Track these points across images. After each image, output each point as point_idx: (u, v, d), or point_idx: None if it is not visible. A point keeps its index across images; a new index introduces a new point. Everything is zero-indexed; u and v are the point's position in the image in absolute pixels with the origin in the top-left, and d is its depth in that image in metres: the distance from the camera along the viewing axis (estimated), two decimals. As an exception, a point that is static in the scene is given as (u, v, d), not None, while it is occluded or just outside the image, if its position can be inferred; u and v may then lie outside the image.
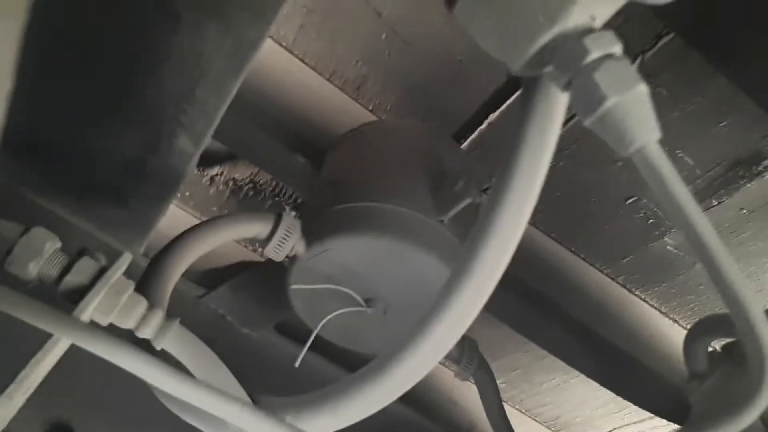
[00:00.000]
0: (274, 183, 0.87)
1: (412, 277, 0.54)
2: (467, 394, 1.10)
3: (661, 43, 0.66)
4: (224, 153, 0.86)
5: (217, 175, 0.88)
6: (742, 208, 0.79)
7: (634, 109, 0.22)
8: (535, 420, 1.19)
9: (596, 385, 1.00)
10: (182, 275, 0.46)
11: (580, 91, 0.22)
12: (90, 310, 0.29)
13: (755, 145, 0.73)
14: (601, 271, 0.90)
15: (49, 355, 0.29)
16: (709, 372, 0.43)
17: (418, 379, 0.31)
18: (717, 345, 0.56)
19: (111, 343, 0.26)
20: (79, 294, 0.31)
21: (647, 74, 0.69)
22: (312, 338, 0.55)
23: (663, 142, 0.76)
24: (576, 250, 0.89)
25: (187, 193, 0.91)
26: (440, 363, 1.05)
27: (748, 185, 0.76)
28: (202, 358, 0.32)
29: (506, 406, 1.17)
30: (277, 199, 0.87)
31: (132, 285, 0.32)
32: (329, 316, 0.54)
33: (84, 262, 0.31)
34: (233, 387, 0.32)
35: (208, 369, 0.32)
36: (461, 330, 0.31)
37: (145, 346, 0.31)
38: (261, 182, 0.87)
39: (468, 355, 0.65)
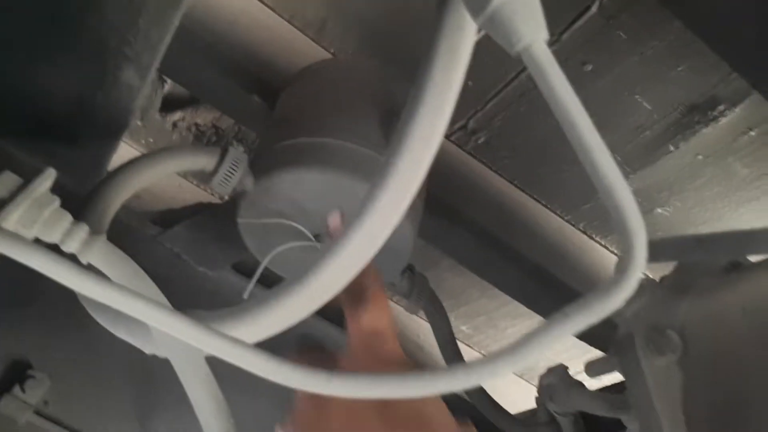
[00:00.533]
0: (236, 128, 0.87)
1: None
2: (433, 339, 1.13)
3: (618, -15, 0.66)
4: (186, 98, 0.85)
5: (179, 120, 0.88)
6: (698, 154, 0.80)
7: (521, 9, 0.22)
8: (501, 366, 1.22)
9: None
10: (139, 215, 0.47)
11: (470, -8, 0.23)
12: (11, 220, 0.30)
13: (711, 90, 0.74)
14: (562, 218, 0.92)
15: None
16: (636, 296, 0.44)
17: (336, 290, 0.32)
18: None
19: (32, 250, 0.27)
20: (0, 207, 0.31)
21: (606, 17, 0.69)
22: (260, 271, 0.56)
23: (623, 86, 0.76)
24: (537, 196, 0.90)
25: (150, 139, 0.91)
26: (393, 300, 1.07)
27: (704, 130, 0.77)
28: (129, 272, 0.33)
29: (472, 351, 1.21)
30: (239, 144, 0.87)
31: (56, 200, 0.33)
32: (276, 250, 0.55)
33: (6, 176, 0.32)
34: (159, 299, 0.33)
35: (135, 282, 0.33)
36: (378, 242, 0.32)
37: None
38: (223, 127, 0.87)
39: (417, 289, 0.67)
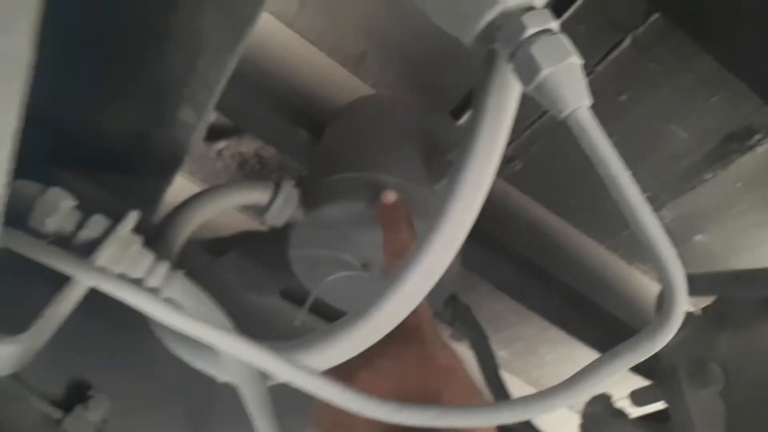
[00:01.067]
0: (278, 157, 0.90)
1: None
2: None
3: (650, 20, 0.68)
4: (230, 128, 0.90)
5: (223, 149, 0.92)
6: (736, 182, 0.81)
7: (566, 78, 0.25)
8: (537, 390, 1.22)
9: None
10: (189, 242, 0.50)
11: (521, 62, 0.25)
12: (103, 259, 0.33)
13: (747, 119, 0.75)
14: (601, 244, 0.93)
15: (68, 298, 0.33)
16: (679, 328, 0.46)
17: (395, 323, 0.35)
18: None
19: (122, 284, 0.30)
20: (91, 248, 0.35)
21: (640, 49, 0.71)
22: (310, 300, 0.59)
23: (658, 116, 0.78)
24: (575, 223, 0.92)
25: (195, 167, 0.95)
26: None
27: (741, 159, 0.78)
28: (205, 305, 0.36)
29: (511, 377, 1.22)
30: (281, 172, 0.91)
31: (139, 240, 0.36)
32: (327, 279, 0.58)
33: (96, 218, 0.35)
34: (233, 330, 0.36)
35: (211, 314, 0.36)
36: (435, 277, 0.34)
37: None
38: (266, 156, 0.91)
39: (461, 318, 0.69)
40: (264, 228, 0.88)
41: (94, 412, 0.69)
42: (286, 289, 0.74)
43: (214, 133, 0.90)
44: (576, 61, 0.25)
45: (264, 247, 0.70)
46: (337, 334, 0.33)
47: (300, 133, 0.76)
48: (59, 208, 0.35)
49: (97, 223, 0.36)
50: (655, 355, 0.49)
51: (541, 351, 1.13)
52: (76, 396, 0.69)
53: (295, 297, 0.75)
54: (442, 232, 0.33)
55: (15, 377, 0.66)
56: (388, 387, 0.34)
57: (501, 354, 1.16)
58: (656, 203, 0.84)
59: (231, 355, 0.32)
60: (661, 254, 0.25)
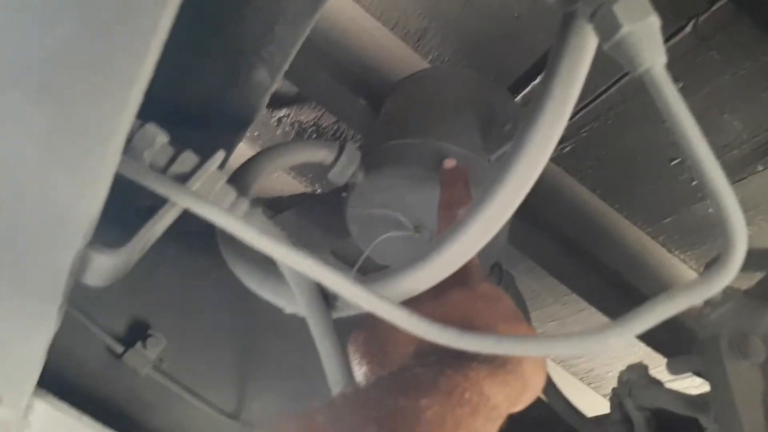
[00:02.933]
0: (336, 126, 0.94)
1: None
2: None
3: (714, 7, 0.68)
4: (292, 96, 0.93)
5: (284, 116, 0.96)
6: (786, 175, 0.81)
7: (645, 35, 0.27)
8: (568, 371, 1.24)
9: (632, 340, 1.04)
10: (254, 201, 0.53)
11: (602, 20, 0.27)
12: (196, 186, 0.37)
13: (802, 112, 0.75)
14: (642, 230, 0.94)
15: (162, 219, 0.36)
16: (722, 302, 0.47)
17: (455, 267, 0.37)
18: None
19: (213, 208, 0.33)
20: (182, 181, 0.38)
21: (701, 38, 0.71)
22: (364, 256, 0.62)
23: (713, 104, 0.78)
24: (619, 207, 0.93)
25: (256, 133, 0.99)
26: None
27: (793, 153, 0.78)
28: (284, 241, 0.39)
29: (541, 358, 1.23)
30: (338, 141, 0.94)
31: (224, 177, 0.40)
32: (380, 238, 0.61)
33: (187, 154, 0.39)
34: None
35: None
36: (493, 230, 0.37)
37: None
38: (324, 125, 0.94)
39: (504, 284, 0.71)
40: (319, 191, 0.91)
41: (152, 349, 0.74)
42: (338, 249, 0.78)
43: (276, 101, 0.94)
44: (655, 20, 0.27)
45: (319, 208, 0.74)
46: (409, 271, 0.36)
47: (360, 103, 0.79)
48: (155, 142, 0.38)
49: (188, 158, 0.39)
50: (687, 330, 0.51)
51: (573, 331, 1.15)
52: (136, 334, 0.74)
53: (346, 258, 0.79)
54: (508, 184, 0.35)
55: (83, 311, 0.72)
56: (442, 315, 0.36)
57: (534, 334, 1.18)
58: (702, 192, 0.85)
59: (309, 281, 0.36)
60: (724, 203, 0.27)
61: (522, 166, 0.35)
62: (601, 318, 1.01)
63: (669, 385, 0.62)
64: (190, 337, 0.77)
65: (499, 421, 0.33)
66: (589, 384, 1.25)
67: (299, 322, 0.75)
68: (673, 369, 0.49)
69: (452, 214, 0.48)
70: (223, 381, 0.78)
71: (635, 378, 0.54)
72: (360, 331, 0.42)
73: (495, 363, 0.35)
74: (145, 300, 0.76)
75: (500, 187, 0.36)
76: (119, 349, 0.72)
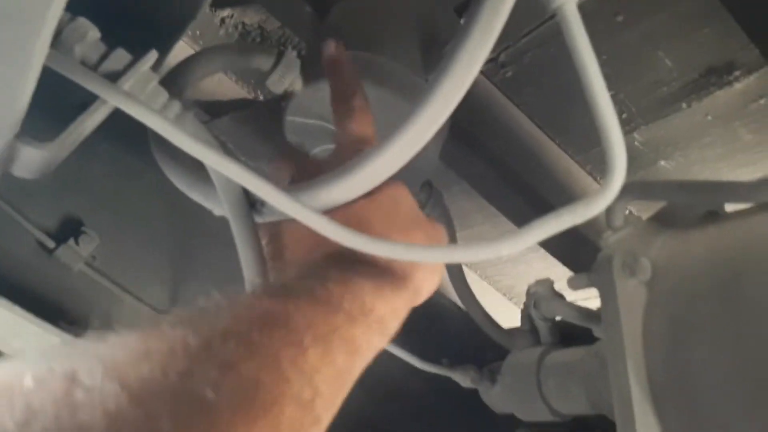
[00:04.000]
0: (281, 32, 0.92)
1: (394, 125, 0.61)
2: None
3: (656, -57, 0.69)
4: (237, -5, 0.90)
5: (228, 16, 0.93)
6: (708, 114, 0.85)
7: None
8: (493, 287, 1.32)
9: (553, 261, 1.11)
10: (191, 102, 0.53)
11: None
12: (127, 85, 0.37)
13: (731, 55, 0.78)
14: (572, 158, 0.98)
15: (92, 117, 0.37)
16: (622, 227, 0.52)
17: (384, 176, 0.40)
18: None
19: (143, 108, 0.34)
20: (113, 79, 0.38)
21: (643, -28, 0.73)
22: (299, 166, 0.63)
23: (649, 41, 0.80)
24: (553, 135, 0.96)
25: (197, 32, 0.96)
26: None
27: (718, 93, 0.82)
28: (214, 145, 0.40)
29: (469, 273, 1.30)
30: (282, 48, 0.93)
31: (156, 77, 0.40)
32: (315, 150, 0.63)
33: (119, 52, 0.39)
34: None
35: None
36: (415, 149, 0.39)
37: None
38: (269, 29, 0.92)
39: (433, 201, 0.75)
40: (260, 99, 0.90)
41: (84, 246, 0.74)
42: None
43: (220, 0, 0.91)
44: (571, -42, 0.28)
45: (259, 116, 0.74)
46: (333, 181, 0.38)
47: (305, 9, 0.77)
48: (87, 38, 0.38)
49: (120, 56, 0.39)
50: (593, 248, 0.55)
51: (501, 252, 1.22)
52: (69, 231, 0.75)
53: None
54: (434, 99, 0.37)
55: (13, 205, 0.71)
56: (343, 221, 0.38)
57: (464, 251, 1.24)
58: (630, 126, 0.89)
59: (235, 185, 0.37)
60: (607, 128, 0.30)
61: (447, 86, 0.37)
62: (527, 239, 1.07)
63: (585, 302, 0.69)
64: (124, 235, 0.77)
65: (385, 331, 0.37)
66: (511, 299, 1.34)
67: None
68: (573, 284, 0.54)
69: (347, 108, 0.50)
70: (156, 280, 0.80)
71: (541, 291, 0.59)
72: (266, 229, 0.44)
73: (381, 279, 0.38)
74: (78, 198, 0.75)
75: (426, 105, 0.38)
76: (51, 244, 0.73)
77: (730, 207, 0.55)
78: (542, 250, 1.08)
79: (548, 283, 0.59)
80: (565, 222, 0.32)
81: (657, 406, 0.46)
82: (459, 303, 0.91)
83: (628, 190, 0.55)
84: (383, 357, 0.84)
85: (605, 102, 0.30)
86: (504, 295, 1.34)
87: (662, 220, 0.54)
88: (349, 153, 0.44)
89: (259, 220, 0.43)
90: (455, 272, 0.87)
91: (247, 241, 0.42)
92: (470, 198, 1.09)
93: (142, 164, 0.75)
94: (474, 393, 0.78)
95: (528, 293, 0.62)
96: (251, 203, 0.42)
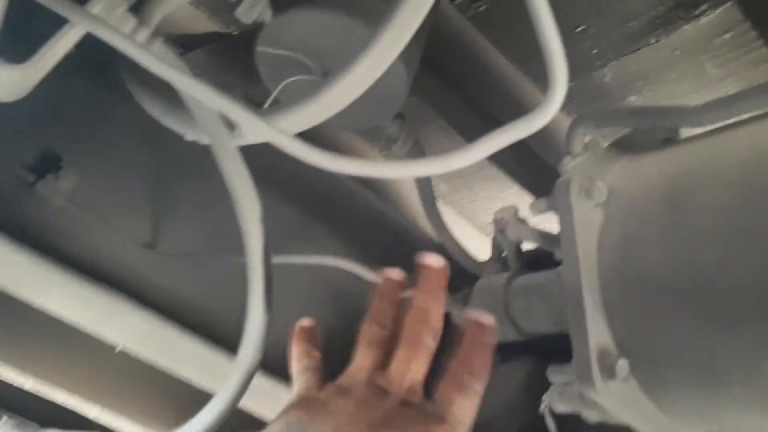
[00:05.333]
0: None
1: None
2: (414, 195, 1.24)
3: None
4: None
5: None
6: (675, 49, 0.87)
7: None
8: (470, 223, 1.35)
9: (528, 198, 1.14)
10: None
11: None
12: (96, 9, 0.38)
13: (698, -11, 0.80)
14: (543, 93, 0.99)
15: (63, 40, 0.38)
16: (582, 153, 0.54)
17: (352, 96, 0.41)
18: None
19: (112, 31, 0.35)
20: (82, 2, 0.39)
21: None
22: (272, 98, 0.65)
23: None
24: (524, 69, 0.97)
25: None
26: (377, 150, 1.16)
27: (685, 27, 0.84)
28: (184, 69, 0.42)
29: (446, 209, 1.34)
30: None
31: (125, 3, 0.41)
32: (286, 81, 0.64)
33: (86, -24, 0.39)
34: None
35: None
36: (378, 72, 0.41)
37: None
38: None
39: (405, 134, 0.76)
40: (232, 31, 0.90)
41: (64, 180, 0.75)
42: (252, 94, 0.79)
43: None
44: None
45: (232, 50, 0.74)
46: (303, 105, 0.40)
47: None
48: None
49: (87, -20, 0.40)
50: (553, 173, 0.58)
51: (476, 188, 1.25)
52: (47, 166, 0.75)
53: (260, 104, 0.80)
54: (394, 23, 0.39)
55: (-10, 140, 0.72)
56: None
57: (440, 187, 1.27)
58: (601, 61, 0.91)
59: (208, 109, 0.39)
60: (548, 41, 0.32)
61: (407, 10, 0.38)
62: (501, 174, 1.09)
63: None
64: (103, 170, 0.79)
65: None
66: (487, 235, 1.38)
67: (210, 159, 0.78)
68: (535, 209, 0.57)
69: (465, 387, 0.48)
70: (137, 213, 0.81)
71: (506, 217, 0.62)
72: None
73: None
74: (55, 134, 0.76)
75: (386, 30, 0.39)
76: (30, 178, 0.74)
77: (686, 135, 0.57)
78: (516, 186, 1.11)
79: (512, 210, 0.62)
80: (510, 136, 0.34)
81: (607, 314, 0.50)
82: (433, 235, 0.94)
83: (585, 117, 0.58)
84: (359, 286, 0.87)
85: (545, 14, 0.32)
86: (480, 231, 1.38)
87: (620, 147, 0.57)
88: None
89: (236, 143, 0.44)
90: (429, 203, 0.89)
91: (230, 159, 0.44)
92: (447, 135, 1.11)
93: (117, 98, 0.76)
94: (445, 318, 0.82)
95: (494, 220, 0.65)
96: (229, 126, 0.44)
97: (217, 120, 0.42)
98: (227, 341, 0.85)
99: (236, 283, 0.63)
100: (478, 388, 0.48)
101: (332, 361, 0.81)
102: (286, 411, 0.46)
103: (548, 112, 0.34)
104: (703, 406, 0.49)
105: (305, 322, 0.57)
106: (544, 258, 0.69)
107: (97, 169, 0.78)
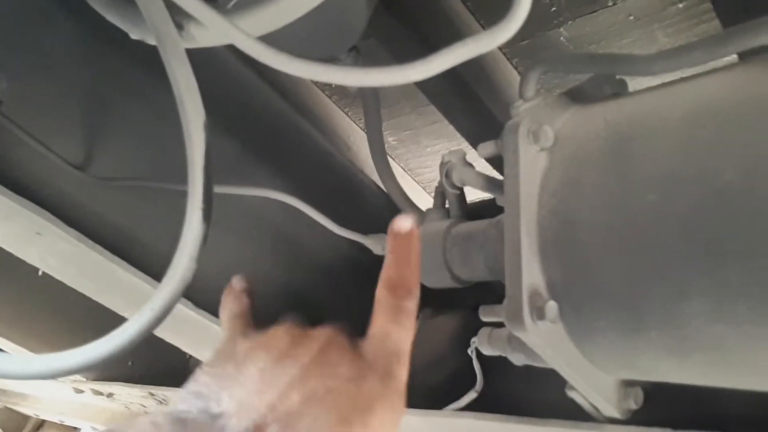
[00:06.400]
0: None
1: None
2: (361, 144, 1.23)
3: None
4: None
5: None
6: (630, 15, 0.88)
7: None
8: (414, 180, 1.36)
9: (474, 156, 1.15)
10: None
11: None
12: None
13: (657, -46, 0.80)
14: (500, 50, 1.00)
15: None
16: (533, 97, 0.54)
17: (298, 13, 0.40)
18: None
19: None
20: None
21: None
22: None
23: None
24: (484, 24, 0.97)
25: None
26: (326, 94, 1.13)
27: (641, -7, 0.85)
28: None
29: (393, 164, 1.33)
30: None
31: None
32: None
33: None
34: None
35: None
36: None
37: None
38: None
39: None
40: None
41: (-10, 87, 0.70)
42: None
43: None
44: None
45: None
46: (262, 6, 0.38)
47: None
48: None
49: None
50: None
51: (424, 143, 1.25)
52: (-29, 69, 0.70)
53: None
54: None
55: None
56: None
57: (388, 140, 1.26)
58: (558, 20, 0.91)
59: (157, 4, 0.36)
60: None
61: None
62: (449, 130, 1.09)
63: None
64: (35, 81, 0.74)
65: None
66: (431, 193, 1.39)
67: (153, 78, 0.75)
68: (482, 151, 0.57)
69: (396, 306, 0.48)
70: (70, 132, 0.77)
71: (453, 160, 0.62)
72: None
73: None
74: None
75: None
76: (-49, 78, 0.68)
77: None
78: (465, 144, 1.11)
79: (460, 153, 0.62)
80: (471, 50, 0.33)
81: (542, 256, 0.51)
82: (379, 183, 0.94)
83: (541, 62, 0.58)
84: (303, 230, 0.86)
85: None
86: (425, 189, 1.39)
87: (572, 97, 0.57)
88: (380, 361, 0.44)
89: (186, 45, 0.42)
90: (378, 149, 0.88)
91: (177, 62, 0.41)
92: (401, 86, 1.09)
93: (57, 5, 0.71)
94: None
95: (442, 162, 0.65)
96: (178, 25, 0.41)
97: (167, 18, 0.40)
98: (158, 274, 0.83)
99: (172, 213, 0.61)
100: (412, 307, 0.47)
101: (269, 301, 0.80)
102: (202, 368, 0.45)
103: (510, 28, 0.33)
104: (622, 352, 0.51)
105: (239, 282, 0.56)
106: (485, 212, 0.70)
107: (29, 79, 0.73)
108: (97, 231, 0.80)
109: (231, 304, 0.59)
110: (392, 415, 0.43)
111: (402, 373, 0.46)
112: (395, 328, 0.47)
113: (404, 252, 0.48)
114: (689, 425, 0.53)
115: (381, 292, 0.48)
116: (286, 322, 0.49)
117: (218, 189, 0.56)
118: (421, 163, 1.31)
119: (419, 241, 0.49)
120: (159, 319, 0.40)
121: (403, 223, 0.49)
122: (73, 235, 0.74)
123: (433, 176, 1.33)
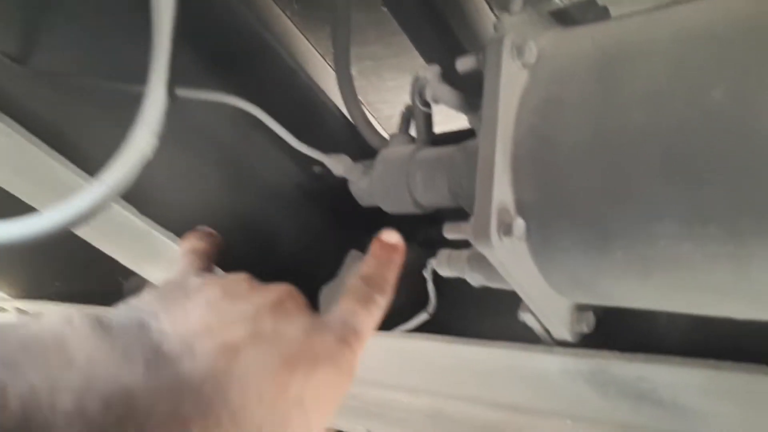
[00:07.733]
0: None
1: None
2: (320, 72, 1.19)
3: None
4: None
5: None
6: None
7: None
8: (372, 114, 1.33)
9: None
10: None
11: None
12: None
13: None
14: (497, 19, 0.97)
15: None
16: (519, 12, 0.53)
17: None
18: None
19: None
20: None
21: None
22: None
23: None
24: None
25: None
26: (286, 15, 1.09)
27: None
28: None
29: (352, 97, 1.29)
30: None
31: None
32: None
33: None
34: None
35: None
36: None
37: None
38: None
39: None
40: None
41: None
42: None
43: None
44: None
45: None
46: None
47: None
48: None
49: None
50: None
51: (385, 76, 1.21)
52: None
53: None
54: None
55: None
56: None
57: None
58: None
59: None
60: None
61: None
62: (412, 65, 1.07)
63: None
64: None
65: None
66: (387, 130, 1.36)
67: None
68: (461, 64, 0.55)
69: (368, 301, 0.49)
70: (7, 20, 0.70)
71: (429, 76, 0.60)
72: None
73: None
74: None
75: None
76: None
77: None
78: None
79: (436, 69, 0.60)
80: None
81: (514, 173, 0.50)
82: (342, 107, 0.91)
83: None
84: (256, 152, 0.82)
85: None
86: (381, 125, 1.36)
87: (561, 16, 0.56)
88: (338, 326, 0.44)
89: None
90: (342, 68, 0.85)
91: None
92: (369, 11, 1.05)
93: None
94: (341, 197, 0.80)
95: (415, 78, 0.63)
96: None
97: None
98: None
99: (119, 114, 0.56)
100: (382, 303, 0.50)
101: (216, 221, 0.77)
102: (147, 290, 0.42)
103: None
104: (583, 273, 0.51)
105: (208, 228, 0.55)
106: (449, 143, 0.69)
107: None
108: (36, 126, 0.74)
109: (194, 238, 0.57)
110: (336, 382, 0.41)
111: (356, 348, 0.46)
112: (362, 311, 0.48)
113: (386, 258, 0.53)
114: (636, 349, 0.55)
115: (355, 282, 0.49)
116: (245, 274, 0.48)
117: (180, 93, 0.53)
118: (381, 98, 1.28)
119: (403, 256, 0.53)
120: (111, 196, 0.37)
121: (392, 235, 0.55)
122: (9, 125, 0.68)
123: (392, 113, 1.30)
